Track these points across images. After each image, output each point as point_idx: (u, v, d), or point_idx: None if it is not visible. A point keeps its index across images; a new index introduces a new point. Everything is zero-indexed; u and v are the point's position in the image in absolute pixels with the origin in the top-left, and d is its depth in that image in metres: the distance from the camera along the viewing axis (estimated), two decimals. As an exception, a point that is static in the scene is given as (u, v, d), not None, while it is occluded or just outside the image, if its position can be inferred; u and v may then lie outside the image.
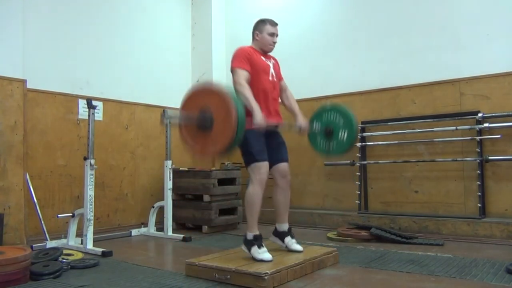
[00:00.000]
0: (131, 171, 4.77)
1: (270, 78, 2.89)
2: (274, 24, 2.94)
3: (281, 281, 2.38)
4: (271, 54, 3.05)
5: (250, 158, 2.72)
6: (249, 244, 2.64)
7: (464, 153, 3.88)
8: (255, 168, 2.68)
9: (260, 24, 2.94)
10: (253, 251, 2.59)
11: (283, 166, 2.89)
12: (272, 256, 2.62)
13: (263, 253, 2.56)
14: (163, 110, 2.35)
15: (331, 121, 3.14)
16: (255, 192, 2.67)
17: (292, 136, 4.86)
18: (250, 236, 2.65)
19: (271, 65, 2.94)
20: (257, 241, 2.61)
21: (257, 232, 2.65)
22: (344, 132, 3.08)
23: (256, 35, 2.94)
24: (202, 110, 2.44)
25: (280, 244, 2.90)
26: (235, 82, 2.72)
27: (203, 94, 2.51)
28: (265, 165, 2.70)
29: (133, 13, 4.97)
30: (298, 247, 2.86)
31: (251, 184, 2.69)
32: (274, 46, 2.96)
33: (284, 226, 2.93)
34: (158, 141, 5.01)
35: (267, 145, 2.81)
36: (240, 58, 2.76)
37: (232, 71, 2.77)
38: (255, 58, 2.83)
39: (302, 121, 2.98)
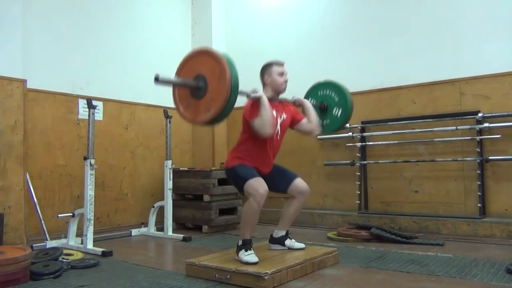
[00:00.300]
0: (131, 171, 4.77)
1: (274, 136, 2.82)
2: (280, 63, 2.88)
3: (281, 281, 2.38)
4: (290, 101, 2.96)
5: (241, 181, 2.66)
6: (238, 249, 2.63)
7: (464, 153, 3.88)
8: (248, 186, 2.60)
9: (267, 68, 2.87)
10: (240, 254, 2.58)
11: (299, 181, 2.88)
12: (271, 257, 2.64)
13: (248, 255, 2.54)
14: (156, 76, 2.29)
15: (326, 97, 3.13)
16: (250, 209, 2.59)
17: (293, 136, 4.87)
18: (239, 242, 2.65)
19: (279, 121, 2.84)
20: (245, 245, 2.60)
21: (247, 237, 2.64)
22: (339, 109, 3.08)
23: (266, 80, 2.86)
24: (197, 76, 2.39)
25: (281, 248, 2.92)
26: (254, 125, 2.62)
27: (199, 60, 2.45)
28: (256, 180, 2.61)
29: (133, 13, 4.97)
30: (300, 244, 2.92)
31: (248, 200, 2.62)
32: (286, 85, 2.88)
33: (282, 232, 2.96)
34: (158, 141, 5.01)
35: (270, 179, 2.77)
36: (254, 109, 2.64)
37: (250, 123, 2.67)
38: None
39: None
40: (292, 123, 2.95)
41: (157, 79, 2.27)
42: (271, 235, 2.99)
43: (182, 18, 5.64)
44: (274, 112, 2.78)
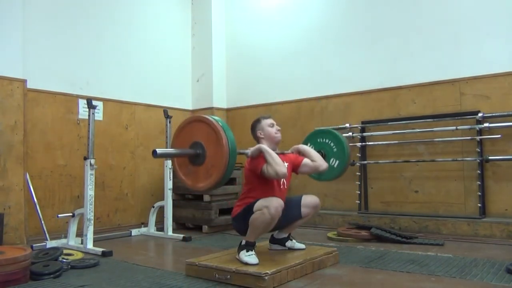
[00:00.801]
0: (131, 171, 4.77)
1: (281, 186, 2.82)
2: (267, 116, 2.89)
3: (281, 281, 2.38)
4: (288, 152, 2.93)
5: (250, 209, 2.57)
6: (240, 248, 2.62)
7: (464, 153, 3.88)
8: (258, 203, 2.53)
9: (256, 124, 2.86)
10: (241, 254, 2.57)
11: (307, 199, 2.89)
12: (271, 257, 2.66)
13: (249, 256, 2.53)
14: (153, 151, 2.30)
15: (325, 145, 3.16)
16: (262, 217, 2.49)
17: (293, 136, 4.89)
18: (243, 242, 2.63)
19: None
20: (248, 246, 2.59)
21: (252, 240, 2.61)
22: (336, 161, 3.10)
23: (260, 134, 2.83)
24: (194, 144, 2.41)
25: (281, 248, 2.93)
26: (268, 172, 2.57)
27: (193, 127, 2.46)
28: (269, 197, 2.55)
29: (133, 13, 4.97)
30: (301, 245, 2.93)
31: (263, 211, 2.49)
32: (280, 134, 2.86)
33: (284, 234, 2.95)
34: (158, 141, 5.01)
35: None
36: (258, 160, 2.64)
37: (261, 173, 2.62)
38: None
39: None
40: (295, 168, 2.90)
41: (155, 153, 2.29)
42: (272, 235, 2.99)
43: (182, 18, 5.64)
44: None
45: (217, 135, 2.31)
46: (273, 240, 2.98)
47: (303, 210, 2.88)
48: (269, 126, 2.84)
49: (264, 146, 2.68)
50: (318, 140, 3.21)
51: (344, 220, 4.32)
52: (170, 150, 2.43)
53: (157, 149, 2.30)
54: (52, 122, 4.10)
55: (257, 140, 2.87)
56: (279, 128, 2.88)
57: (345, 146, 3.11)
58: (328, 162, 3.07)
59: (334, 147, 3.13)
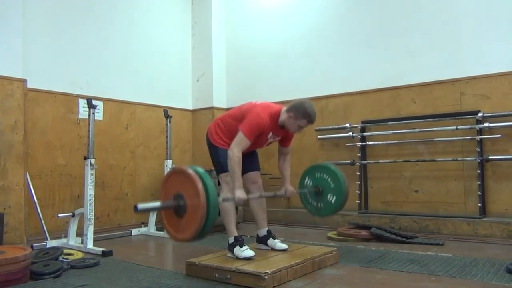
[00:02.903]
0: (131, 170, 4.77)
1: (265, 143, 2.95)
2: (311, 122, 2.80)
3: (281, 281, 2.39)
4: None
5: (219, 168, 2.86)
6: (231, 246, 2.68)
7: (464, 152, 3.88)
8: (222, 177, 2.84)
9: (301, 113, 2.74)
10: (236, 251, 2.63)
11: (252, 174, 2.99)
12: (271, 256, 2.68)
13: (245, 251, 2.60)
14: (134, 206, 2.14)
15: (322, 181, 3.10)
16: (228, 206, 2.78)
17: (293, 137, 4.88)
18: (231, 240, 2.70)
19: (271, 139, 2.92)
20: (238, 241, 2.66)
21: (237, 234, 2.73)
22: (333, 196, 3.05)
23: (289, 115, 2.78)
24: (176, 196, 2.27)
25: (265, 248, 2.94)
26: (234, 146, 2.68)
27: (177, 179, 2.31)
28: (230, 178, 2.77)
29: (133, 12, 4.97)
30: (282, 245, 2.89)
31: (221, 193, 2.78)
32: (296, 133, 2.91)
33: (264, 231, 2.98)
34: (158, 141, 5.01)
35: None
36: (254, 130, 2.70)
37: (240, 132, 2.70)
38: (264, 133, 2.80)
39: (288, 186, 3.02)
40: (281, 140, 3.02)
41: (136, 209, 2.12)
42: (257, 234, 3.03)
43: (182, 18, 5.64)
44: (271, 134, 2.85)
45: (194, 185, 2.15)
46: (258, 239, 3.02)
47: (246, 177, 2.96)
48: (299, 126, 2.80)
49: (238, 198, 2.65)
50: (316, 175, 3.15)
51: (344, 220, 4.32)
52: (150, 204, 2.31)
53: (138, 205, 2.13)
54: (52, 121, 4.10)
55: (287, 111, 2.81)
56: (300, 131, 2.89)
57: (342, 182, 3.01)
58: (325, 197, 3.07)
59: (331, 182, 3.06)
